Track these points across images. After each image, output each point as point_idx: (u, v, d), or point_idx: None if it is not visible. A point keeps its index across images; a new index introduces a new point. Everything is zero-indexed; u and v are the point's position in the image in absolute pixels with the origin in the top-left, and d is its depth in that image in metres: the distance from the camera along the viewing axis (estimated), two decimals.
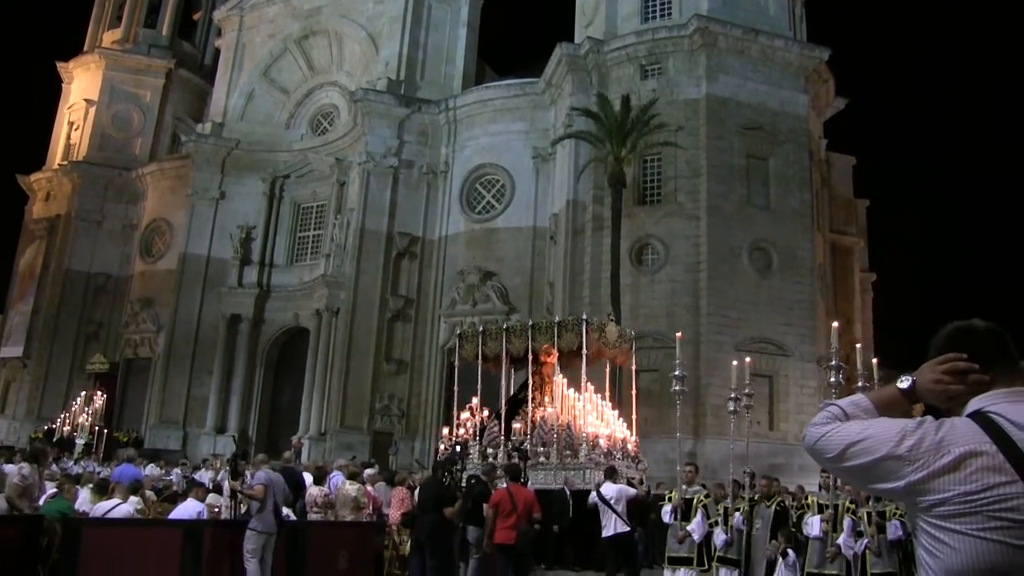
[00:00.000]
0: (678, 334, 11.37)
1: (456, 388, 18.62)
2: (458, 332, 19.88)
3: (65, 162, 44.64)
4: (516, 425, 16.71)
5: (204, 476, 18.52)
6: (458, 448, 17.26)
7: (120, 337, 41.54)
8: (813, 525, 8.94)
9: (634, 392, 18.49)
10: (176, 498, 12.59)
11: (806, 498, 9.95)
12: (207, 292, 38.13)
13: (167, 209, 41.81)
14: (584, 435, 15.90)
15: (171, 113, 46.57)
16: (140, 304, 41.00)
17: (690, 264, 26.95)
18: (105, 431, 32.19)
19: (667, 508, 10.04)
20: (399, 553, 12.69)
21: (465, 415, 17.62)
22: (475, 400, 17.84)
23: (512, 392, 18.27)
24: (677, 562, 9.72)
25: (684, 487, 10.06)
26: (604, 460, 15.09)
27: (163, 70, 46.45)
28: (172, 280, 39.07)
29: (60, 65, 47.49)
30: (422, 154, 35.16)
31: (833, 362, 8.21)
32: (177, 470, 21.48)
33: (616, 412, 18.13)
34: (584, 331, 16.58)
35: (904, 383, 1.87)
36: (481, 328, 18.76)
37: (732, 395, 9.76)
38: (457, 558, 10.65)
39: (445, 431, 18.14)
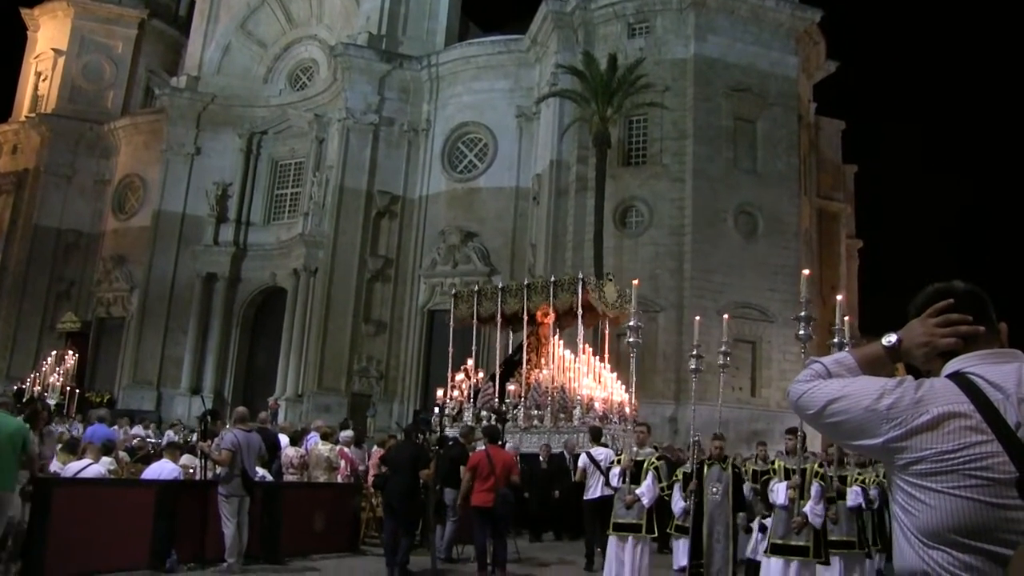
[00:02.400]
0: (635, 281, 10.98)
1: (451, 349, 18.20)
2: (453, 292, 19.48)
3: (33, 114, 43.24)
4: (511, 387, 16.41)
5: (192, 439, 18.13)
6: (435, 410, 17.03)
7: (92, 295, 40.70)
8: (779, 492, 8.25)
9: (632, 353, 18.17)
10: (150, 459, 12.29)
11: (772, 463, 9.18)
12: (182, 250, 37.41)
13: (140, 165, 40.79)
14: (578, 398, 15.57)
15: (144, 65, 45.11)
16: (113, 262, 40.12)
17: (674, 227, 26.68)
18: (77, 391, 31.61)
19: (615, 471, 9.22)
20: (376, 515, 12.46)
21: (460, 376, 17.30)
22: (470, 362, 17.51)
23: (508, 353, 18.01)
24: (623, 528, 8.93)
25: (635, 448, 9.41)
26: (599, 424, 14.84)
27: (135, 20, 44.88)
28: (146, 237, 38.25)
29: (25, 12, 45.63)
30: (403, 111, 34.43)
31: (803, 312, 7.49)
32: (169, 431, 21.06)
33: (615, 375, 17.77)
34: (580, 290, 16.20)
35: (888, 340, 1.85)
36: (476, 288, 18.37)
37: (693, 352, 9.21)
38: (433, 521, 10.40)
39: (440, 392, 17.78)
